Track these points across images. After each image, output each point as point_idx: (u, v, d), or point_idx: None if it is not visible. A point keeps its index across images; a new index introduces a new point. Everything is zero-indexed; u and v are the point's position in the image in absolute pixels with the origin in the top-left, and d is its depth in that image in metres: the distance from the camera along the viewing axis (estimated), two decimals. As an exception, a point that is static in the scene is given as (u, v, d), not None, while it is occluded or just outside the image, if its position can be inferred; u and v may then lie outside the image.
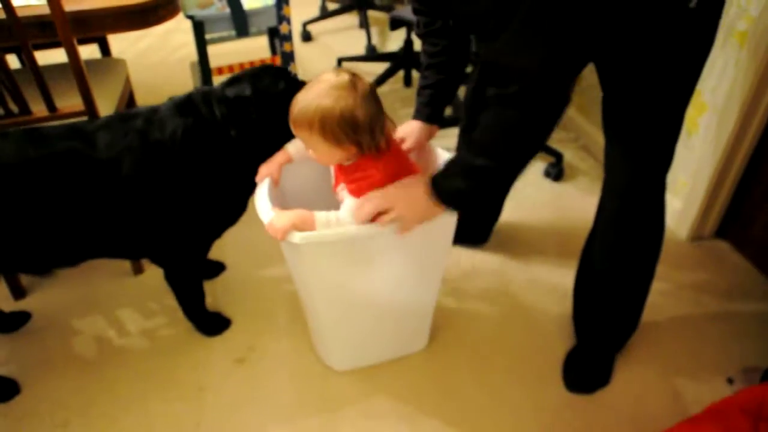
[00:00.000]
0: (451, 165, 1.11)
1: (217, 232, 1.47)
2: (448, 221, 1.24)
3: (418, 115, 1.41)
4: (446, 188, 1.10)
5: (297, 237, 1.12)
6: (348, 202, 1.19)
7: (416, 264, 1.30)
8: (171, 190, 1.27)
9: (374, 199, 1.13)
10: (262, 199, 1.23)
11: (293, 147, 1.32)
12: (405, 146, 1.35)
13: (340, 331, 1.39)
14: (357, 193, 1.18)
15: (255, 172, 1.36)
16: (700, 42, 1.05)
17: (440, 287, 1.42)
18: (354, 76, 1.13)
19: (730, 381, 1.41)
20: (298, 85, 1.33)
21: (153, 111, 1.30)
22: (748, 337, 1.54)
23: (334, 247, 1.17)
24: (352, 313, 1.34)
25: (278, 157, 1.31)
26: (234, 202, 1.43)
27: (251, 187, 1.39)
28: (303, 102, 1.11)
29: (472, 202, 1.13)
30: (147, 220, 1.29)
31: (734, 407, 1.09)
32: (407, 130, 1.39)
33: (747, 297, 1.67)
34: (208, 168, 1.30)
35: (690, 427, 1.11)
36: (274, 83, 1.30)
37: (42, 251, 1.28)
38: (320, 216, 1.15)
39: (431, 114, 1.40)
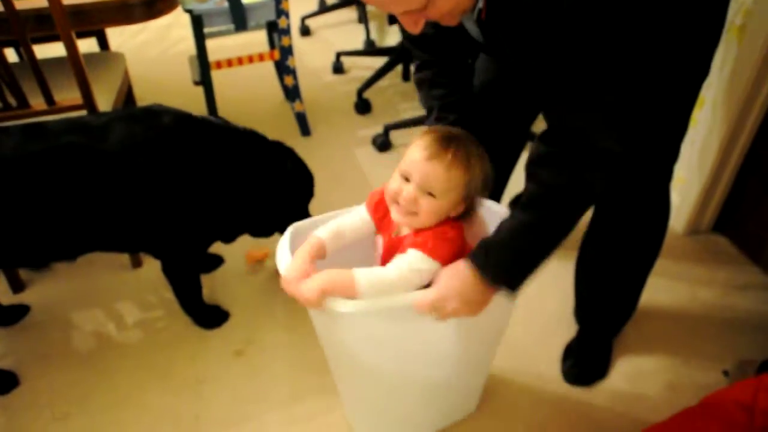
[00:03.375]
0: (490, 236, 0.99)
1: (212, 241, 1.51)
2: (507, 304, 1.08)
3: None
4: (492, 263, 0.96)
5: (343, 306, 0.91)
6: (411, 255, 0.97)
7: (470, 340, 1.12)
8: (172, 199, 1.31)
9: (430, 296, 0.95)
10: (283, 250, 1.03)
11: (325, 233, 1.06)
12: None
13: (370, 403, 1.22)
14: (426, 246, 0.98)
15: (262, 211, 1.47)
16: (709, 34, 1.03)
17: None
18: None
19: (725, 374, 1.42)
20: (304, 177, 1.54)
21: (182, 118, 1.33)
22: (743, 331, 1.55)
23: (382, 317, 0.96)
24: (385, 387, 1.16)
25: (308, 252, 1.01)
26: (231, 226, 1.50)
27: (252, 216, 1.49)
28: (457, 140, 0.98)
29: (521, 271, 0.98)
30: (143, 216, 1.31)
31: (729, 400, 1.09)
32: None
33: (743, 291, 1.68)
34: (211, 194, 1.36)
35: (685, 420, 1.12)
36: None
37: (40, 244, 1.29)
38: (361, 278, 0.93)
39: None
